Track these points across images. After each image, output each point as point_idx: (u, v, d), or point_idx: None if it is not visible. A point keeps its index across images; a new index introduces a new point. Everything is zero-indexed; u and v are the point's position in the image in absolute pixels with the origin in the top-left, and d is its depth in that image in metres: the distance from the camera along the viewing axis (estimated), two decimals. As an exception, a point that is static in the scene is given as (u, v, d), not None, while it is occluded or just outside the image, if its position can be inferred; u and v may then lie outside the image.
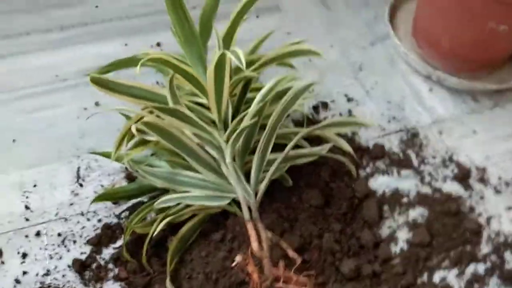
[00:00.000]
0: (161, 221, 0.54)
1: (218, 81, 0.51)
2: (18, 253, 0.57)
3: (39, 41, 0.79)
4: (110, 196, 0.60)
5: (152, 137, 0.59)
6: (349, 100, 0.77)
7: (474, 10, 0.69)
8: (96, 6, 0.85)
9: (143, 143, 0.63)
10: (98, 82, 0.53)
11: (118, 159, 0.58)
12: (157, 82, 0.75)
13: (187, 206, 0.57)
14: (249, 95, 0.60)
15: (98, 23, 0.83)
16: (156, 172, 0.58)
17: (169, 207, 0.56)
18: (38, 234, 0.58)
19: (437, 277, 0.59)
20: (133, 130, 0.47)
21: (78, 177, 0.64)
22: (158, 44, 0.80)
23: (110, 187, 0.63)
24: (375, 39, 0.86)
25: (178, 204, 0.57)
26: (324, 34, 0.86)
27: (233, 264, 0.47)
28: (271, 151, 0.58)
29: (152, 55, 0.49)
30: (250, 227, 0.48)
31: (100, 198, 0.59)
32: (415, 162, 0.70)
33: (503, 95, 0.80)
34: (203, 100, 0.58)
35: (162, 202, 0.56)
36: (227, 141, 0.54)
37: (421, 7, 0.81)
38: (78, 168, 0.65)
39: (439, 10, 0.75)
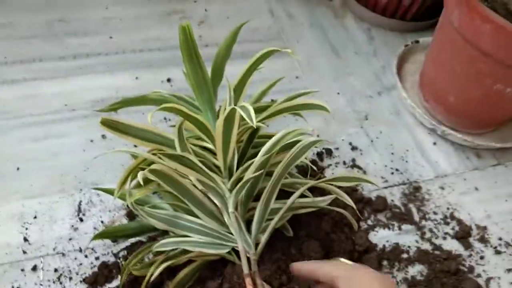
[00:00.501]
0: (159, 264, 0.54)
1: (227, 131, 0.52)
2: (13, 287, 0.56)
3: (52, 68, 0.80)
4: (110, 234, 0.60)
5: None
6: (354, 148, 0.77)
7: (482, 72, 0.70)
8: (111, 37, 0.87)
9: (146, 182, 0.63)
10: (109, 124, 0.53)
11: (120, 196, 0.58)
12: (165, 118, 0.75)
13: (186, 250, 0.56)
14: (256, 140, 0.60)
15: (111, 55, 0.84)
16: (157, 215, 0.58)
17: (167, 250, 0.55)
18: (34, 268, 0.58)
19: None
20: (139, 178, 0.47)
21: (79, 211, 0.63)
22: (169, 80, 0.81)
23: (110, 225, 0.62)
24: (382, 89, 0.87)
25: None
26: (332, 81, 0.87)
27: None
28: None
29: (164, 105, 0.50)
30: (248, 282, 0.48)
31: (99, 235, 0.59)
32: (416, 217, 0.70)
33: (506, 153, 0.81)
34: (209, 145, 0.59)
35: (160, 245, 0.56)
36: (231, 190, 0.54)
37: (429, 62, 0.82)
38: (80, 202, 0.64)
39: (448, 68, 0.76)
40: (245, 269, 0.49)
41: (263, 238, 0.54)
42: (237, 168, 0.57)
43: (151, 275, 0.53)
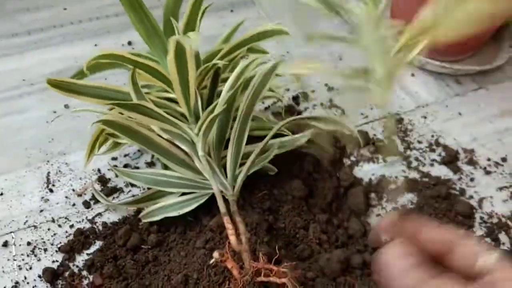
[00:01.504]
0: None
1: (181, 71, 0.48)
2: (-16, 265, 0.53)
3: (5, 45, 0.76)
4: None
5: (123, 139, 0.56)
6: (330, 89, 0.74)
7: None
8: (65, 9, 0.83)
9: (115, 146, 0.60)
10: (58, 86, 0.50)
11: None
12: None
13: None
14: (221, 85, 0.57)
15: (66, 25, 0.80)
16: (135, 174, 0.56)
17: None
18: (5, 244, 0.55)
19: (430, 263, 0.56)
20: (90, 126, 0.44)
21: (48, 182, 0.60)
22: (130, 43, 0.78)
23: (82, 192, 0.59)
24: (354, 29, 0.84)
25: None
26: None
27: (211, 261, 0.44)
28: (251, 143, 0.56)
29: (103, 52, 0.47)
30: (227, 220, 0.45)
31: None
32: (400, 147, 0.67)
33: (486, 76, 0.79)
34: (172, 95, 0.56)
35: (148, 216, 0.55)
36: (198, 134, 0.51)
37: (397, -8, 0.79)
38: (48, 174, 0.61)
39: (415, -7, 0.73)
40: (222, 209, 0.46)
41: (239, 178, 0.51)
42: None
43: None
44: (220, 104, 0.50)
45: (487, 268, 0.29)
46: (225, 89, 0.51)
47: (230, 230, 0.44)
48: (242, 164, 0.54)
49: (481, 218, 0.61)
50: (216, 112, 0.48)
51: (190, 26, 0.56)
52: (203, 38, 0.53)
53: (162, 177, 0.56)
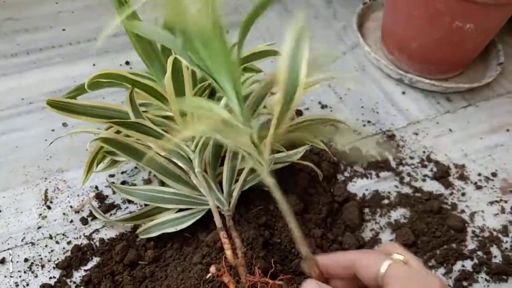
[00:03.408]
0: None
1: (178, 89, 0.50)
2: (-19, 282, 0.53)
3: (4, 65, 0.77)
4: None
5: (121, 157, 0.57)
6: (323, 107, 0.76)
7: (440, 11, 0.70)
8: (63, 30, 0.84)
9: (113, 163, 0.61)
10: (57, 106, 0.51)
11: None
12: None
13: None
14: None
15: (65, 46, 0.81)
16: (133, 191, 0.57)
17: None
18: (2, 261, 0.55)
19: (424, 277, 0.57)
20: (87, 147, 0.45)
21: (46, 199, 0.61)
22: (127, 63, 0.79)
23: (79, 209, 0.60)
24: (346, 49, 0.87)
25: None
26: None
27: (208, 276, 0.45)
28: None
29: (104, 71, 0.48)
30: (223, 235, 0.46)
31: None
32: (393, 163, 0.69)
33: (475, 93, 0.81)
34: (169, 113, 0.57)
35: (145, 233, 0.56)
36: (194, 150, 0.52)
37: (388, 13, 0.82)
38: (46, 191, 0.62)
39: (405, 14, 0.76)
40: (218, 224, 0.47)
41: (235, 194, 0.52)
42: (200, 131, 0.56)
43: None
44: (216, 121, 0.51)
45: (382, 277, 0.31)
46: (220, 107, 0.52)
47: (226, 245, 0.45)
48: (237, 180, 0.55)
49: (473, 232, 0.62)
50: (212, 129, 0.49)
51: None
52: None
53: (159, 194, 0.57)
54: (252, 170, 0.54)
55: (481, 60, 0.84)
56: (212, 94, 0.58)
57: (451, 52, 0.77)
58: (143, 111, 0.56)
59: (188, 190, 0.55)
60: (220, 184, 0.55)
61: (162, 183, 0.58)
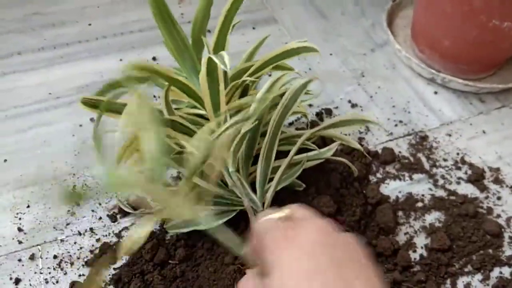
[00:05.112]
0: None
1: (212, 88, 0.49)
2: (11, 278, 0.53)
3: (32, 60, 0.77)
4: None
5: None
6: (353, 106, 0.74)
7: (475, 8, 0.67)
8: (90, 24, 0.84)
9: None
10: (91, 104, 0.50)
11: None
12: (154, 96, 0.72)
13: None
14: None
15: (92, 41, 0.81)
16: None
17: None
18: (32, 257, 0.54)
19: (461, 283, 0.55)
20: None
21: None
22: (154, 59, 0.78)
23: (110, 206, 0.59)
24: (375, 46, 0.85)
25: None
26: (323, 43, 0.84)
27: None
28: (278, 159, 0.55)
29: (145, 66, 0.47)
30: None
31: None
32: (426, 165, 0.67)
33: (509, 94, 0.78)
34: (202, 112, 0.56)
35: (174, 228, 0.55)
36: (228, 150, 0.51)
37: (419, 10, 0.79)
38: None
39: (438, 12, 0.74)
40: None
41: (269, 194, 0.51)
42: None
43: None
44: (251, 121, 0.50)
45: None
46: (253, 105, 0.51)
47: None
48: (270, 180, 0.53)
49: (510, 237, 0.60)
50: (246, 129, 0.48)
51: (220, 42, 0.57)
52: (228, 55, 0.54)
53: (190, 192, 0.56)
54: (287, 168, 0.52)
55: (515, 60, 0.82)
56: (244, 94, 0.56)
57: (486, 52, 0.74)
58: (175, 109, 0.55)
59: (221, 190, 0.54)
60: (252, 183, 0.54)
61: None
